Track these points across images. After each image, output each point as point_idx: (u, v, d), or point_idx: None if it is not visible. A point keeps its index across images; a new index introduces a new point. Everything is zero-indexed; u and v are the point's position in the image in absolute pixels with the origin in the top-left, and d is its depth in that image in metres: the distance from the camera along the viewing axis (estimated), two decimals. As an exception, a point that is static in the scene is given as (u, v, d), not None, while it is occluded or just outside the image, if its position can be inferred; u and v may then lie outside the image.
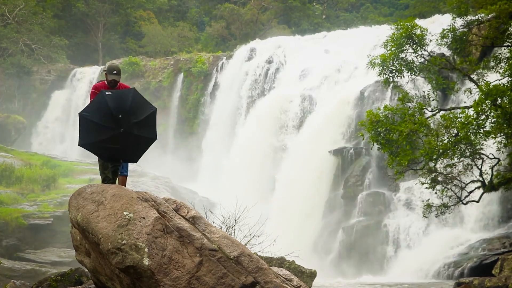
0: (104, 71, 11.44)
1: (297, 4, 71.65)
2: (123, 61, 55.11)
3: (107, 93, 10.60)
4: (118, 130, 10.30)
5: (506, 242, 26.52)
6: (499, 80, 21.44)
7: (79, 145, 10.65)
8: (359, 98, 36.95)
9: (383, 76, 22.67)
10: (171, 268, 9.76)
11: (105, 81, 11.17)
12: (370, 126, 21.43)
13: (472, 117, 20.51)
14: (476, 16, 23.60)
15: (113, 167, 11.13)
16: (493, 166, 21.86)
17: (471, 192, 22.26)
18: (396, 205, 31.69)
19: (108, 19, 67.53)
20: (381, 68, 22.40)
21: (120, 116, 10.32)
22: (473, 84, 22.75)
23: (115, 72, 11.12)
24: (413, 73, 22.82)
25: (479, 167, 21.60)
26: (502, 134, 20.77)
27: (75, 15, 66.76)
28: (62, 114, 56.03)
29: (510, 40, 22.66)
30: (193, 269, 9.85)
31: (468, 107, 21.77)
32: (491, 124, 20.62)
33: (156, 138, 10.86)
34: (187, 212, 10.60)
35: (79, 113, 10.64)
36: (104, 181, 11.12)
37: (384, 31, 28.08)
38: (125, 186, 11.18)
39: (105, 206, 10.10)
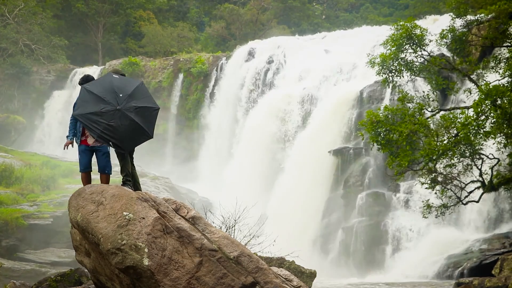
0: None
1: (297, 4, 71.65)
2: (122, 61, 55.06)
3: (114, 75, 10.73)
4: (115, 107, 10.25)
5: (506, 242, 26.50)
6: (499, 80, 21.44)
7: (72, 115, 10.67)
8: (359, 98, 36.95)
9: (382, 75, 22.67)
10: (171, 268, 9.76)
11: None
12: (370, 127, 21.42)
13: (472, 118, 20.50)
14: (476, 16, 23.58)
15: (121, 161, 10.96)
16: (493, 166, 21.86)
17: (471, 192, 22.25)
18: (396, 205, 31.66)
19: (108, 19, 67.50)
20: (380, 67, 22.40)
21: (120, 95, 10.32)
22: (473, 84, 22.74)
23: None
24: (413, 73, 22.82)
25: (479, 167, 21.60)
26: (502, 135, 20.77)
27: (75, 15, 66.72)
28: (62, 114, 55.89)
29: (510, 40, 22.65)
30: (193, 269, 9.85)
31: (468, 108, 21.76)
32: (491, 124, 20.61)
33: (152, 137, 10.74)
34: (187, 212, 10.60)
35: (81, 86, 10.74)
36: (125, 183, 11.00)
37: (384, 31, 28.07)
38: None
39: (105, 206, 10.10)
